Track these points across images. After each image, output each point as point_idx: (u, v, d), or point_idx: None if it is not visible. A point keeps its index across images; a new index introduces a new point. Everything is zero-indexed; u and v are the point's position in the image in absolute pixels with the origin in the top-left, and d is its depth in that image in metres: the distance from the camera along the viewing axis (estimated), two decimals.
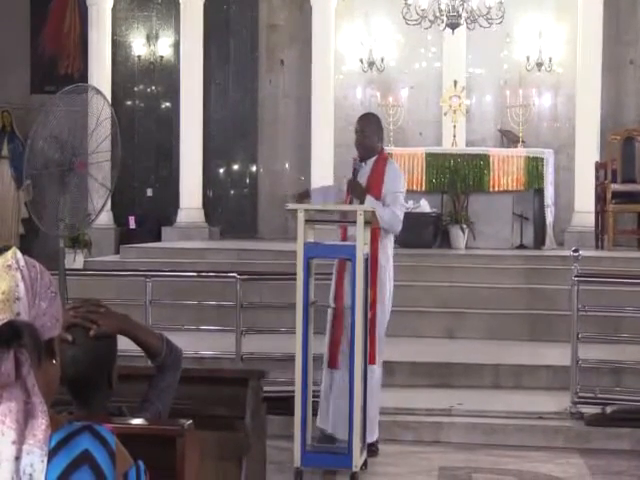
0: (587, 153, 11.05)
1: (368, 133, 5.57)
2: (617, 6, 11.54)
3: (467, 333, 7.72)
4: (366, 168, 5.53)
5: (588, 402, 5.92)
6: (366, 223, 5.21)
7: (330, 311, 5.46)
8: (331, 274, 6.12)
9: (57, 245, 6.24)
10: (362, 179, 5.49)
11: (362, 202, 5.34)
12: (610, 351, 6.51)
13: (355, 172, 5.49)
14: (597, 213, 10.49)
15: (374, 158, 5.55)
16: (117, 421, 2.22)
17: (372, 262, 5.28)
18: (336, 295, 5.45)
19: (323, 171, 11.60)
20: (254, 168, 12.50)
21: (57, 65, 12.77)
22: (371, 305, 5.25)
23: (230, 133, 12.38)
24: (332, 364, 5.40)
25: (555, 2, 11.62)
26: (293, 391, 5.05)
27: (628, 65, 11.67)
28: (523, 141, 11.01)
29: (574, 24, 11.42)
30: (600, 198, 10.34)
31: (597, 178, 10.52)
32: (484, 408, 6.05)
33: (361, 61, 11.80)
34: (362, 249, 5.10)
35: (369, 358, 5.22)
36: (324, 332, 5.57)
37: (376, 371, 5.39)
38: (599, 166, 10.60)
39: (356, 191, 5.45)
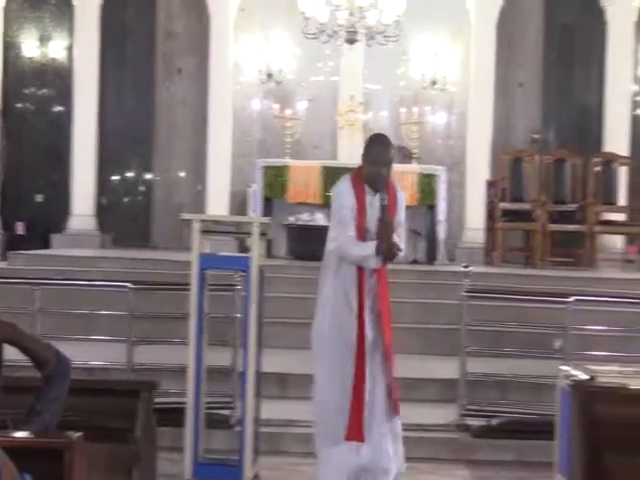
0: (478, 171, 11.35)
1: (391, 165, 4.76)
2: (509, 30, 11.91)
3: None
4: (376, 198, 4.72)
5: (475, 415, 6.07)
6: (262, 235, 5.24)
7: (345, 347, 4.61)
8: (227, 285, 6.13)
9: None
10: (375, 211, 4.72)
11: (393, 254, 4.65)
12: (496, 365, 6.69)
13: (383, 209, 4.67)
14: (487, 230, 10.78)
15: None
16: (2, 434, 2.17)
17: (382, 303, 4.67)
18: (359, 327, 4.60)
19: (220, 181, 11.59)
20: (149, 176, 12.37)
21: None
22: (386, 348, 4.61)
23: (125, 139, 12.22)
24: (357, 435, 4.48)
25: (450, 23, 11.90)
26: (185, 403, 5.02)
27: (517, 88, 12.05)
28: (417, 157, 11.22)
29: (468, 45, 11.74)
30: (490, 215, 10.63)
31: (488, 196, 10.82)
32: None
33: (259, 72, 11.84)
34: (257, 261, 5.12)
35: (394, 408, 4.58)
36: (217, 343, 5.56)
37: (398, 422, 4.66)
38: (489, 184, 10.90)
39: (387, 235, 4.63)
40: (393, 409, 4.59)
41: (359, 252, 4.69)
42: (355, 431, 4.43)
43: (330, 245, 4.83)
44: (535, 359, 6.57)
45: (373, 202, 4.72)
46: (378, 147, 4.79)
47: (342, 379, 4.57)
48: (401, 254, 4.73)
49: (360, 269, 4.66)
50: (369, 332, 4.63)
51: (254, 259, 5.07)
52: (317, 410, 4.69)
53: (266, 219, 5.29)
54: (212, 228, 5.47)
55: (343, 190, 4.79)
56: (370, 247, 4.66)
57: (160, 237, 12.03)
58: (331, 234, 4.82)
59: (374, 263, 4.65)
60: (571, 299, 6.16)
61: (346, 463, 4.52)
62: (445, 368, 6.85)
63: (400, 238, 4.76)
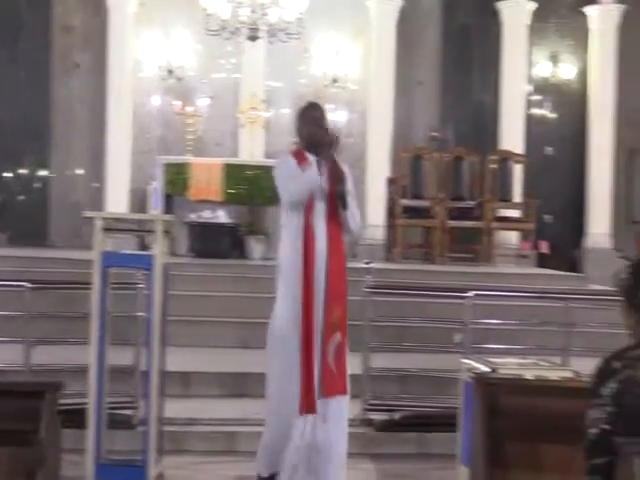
0: (379, 168, 11.51)
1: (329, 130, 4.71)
2: (409, 29, 12.09)
3: (262, 343, 7.78)
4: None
5: (378, 409, 6.15)
6: (165, 232, 5.18)
7: (295, 338, 4.65)
8: (130, 284, 6.05)
9: None
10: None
11: (343, 193, 4.61)
12: (399, 360, 6.79)
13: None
14: (388, 227, 10.93)
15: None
16: None
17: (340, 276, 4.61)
18: (305, 315, 4.59)
19: (119, 178, 11.43)
20: (46, 173, 12.09)
21: None
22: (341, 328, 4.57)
23: (20, 136, 11.91)
24: (309, 408, 4.54)
25: (351, 21, 12.01)
26: (87, 403, 4.93)
27: (417, 86, 12.25)
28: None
29: (369, 44, 11.87)
30: (391, 212, 10.78)
31: (388, 193, 10.96)
32: None
33: (160, 68, 11.70)
34: (161, 259, 5.06)
35: (340, 387, 4.57)
36: (119, 343, 5.48)
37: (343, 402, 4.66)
38: (390, 181, 11.05)
39: (341, 180, 4.62)
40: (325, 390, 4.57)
41: (301, 180, 4.61)
42: (307, 403, 4.41)
43: (282, 220, 4.73)
44: (436, 353, 6.68)
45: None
46: (315, 109, 4.82)
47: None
48: (353, 210, 4.72)
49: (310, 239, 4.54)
50: (318, 306, 4.56)
51: (158, 257, 5.01)
52: (273, 405, 4.60)
53: (169, 217, 5.23)
54: (114, 226, 5.38)
55: (284, 162, 4.75)
56: (309, 169, 4.60)
57: (58, 236, 11.78)
58: (283, 216, 4.72)
59: (316, 178, 4.58)
60: (470, 294, 6.29)
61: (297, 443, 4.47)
62: (349, 363, 6.90)
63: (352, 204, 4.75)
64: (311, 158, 4.74)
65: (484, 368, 3.87)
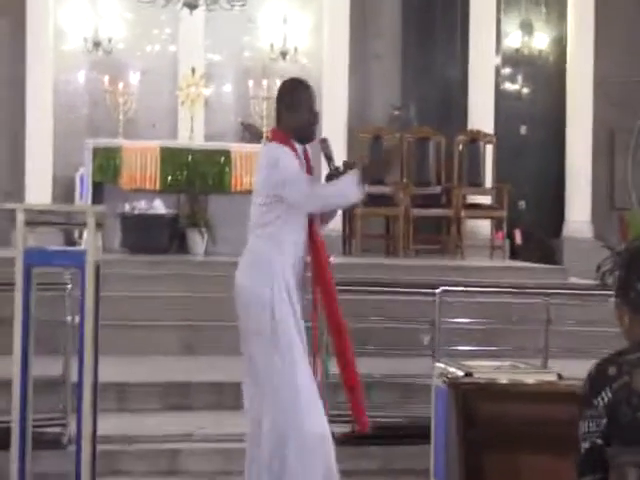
0: (335, 152, 11.47)
1: None
2: None
3: (208, 349, 7.78)
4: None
5: (337, 421, 6.15)
6: (97, 226, 5.14)
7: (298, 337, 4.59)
8: (58, 285, 5.99)
9: None
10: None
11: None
12: (360, 365, 6.78)
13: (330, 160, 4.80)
14: (344, 216, 10.94)
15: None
16: None
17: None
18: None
19: (41, 165, 11.31)
20: None
21: None
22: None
23: None
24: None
25: None
26: (9, 421, 4.87)
27: (375, 59, 12.28)
28: (267, 136, 11.27)
29: (320, 12, 11.87)
30: None
31: None
32: (226, 432, 6.13)
33: (85, 40, 11.58)
34: (93, 255, 5.01)
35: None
36: (45, 351, 5.42)
37: None
38: (347, 166, 11.02)
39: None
40: None
41: (337, 186, 4.56)
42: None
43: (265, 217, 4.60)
44: (402, 357, 6.73)
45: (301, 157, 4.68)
46: (309, 90, 4.74)
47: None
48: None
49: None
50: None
51: (89, 253, 4.96)
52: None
53: (102, 208, 5.18)
54: (38, 219, 5.33)
55: (286, 154, 4.60)
56: (349, 177, 4.56)
57: None
58: (257, 200, 4.61)
59: (358, 193, 4.54)
60: (438, 290, 6.33)
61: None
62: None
63: None
64: (299, 149, 4.71)
65: (459, 372, 3.90)
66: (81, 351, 4.98)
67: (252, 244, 4.70)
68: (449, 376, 3.87)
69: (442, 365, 4.14)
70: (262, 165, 4.74)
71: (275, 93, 12.00)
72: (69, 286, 5.98)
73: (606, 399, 2.24)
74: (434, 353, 6.11)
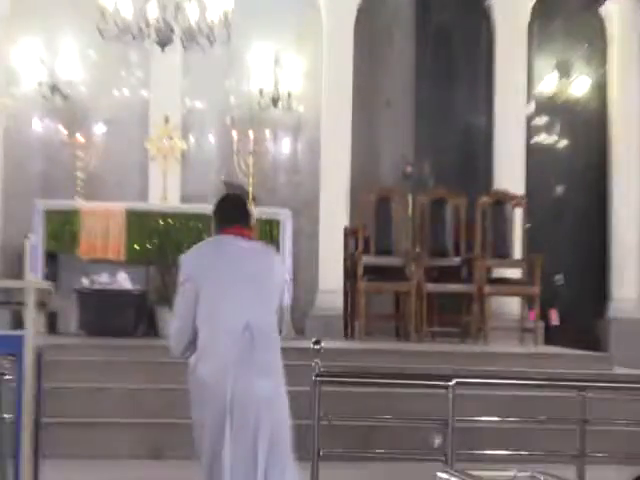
0: (334, 216, 11.55)
1: None
2: (370, 34, 12.23)
3: (180, 451, 7.71)
4: None
5: None
6: (40, 305, 5.14)
7: None
8: None
9: None
10: None
11: None
12: (361, 473, 6.75)
13: None
14: (346, 292, 10.93)
15: None
16: None
17: None
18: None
19: None
20: None
21: None
22: None
23: None
24: None
25: (296, 22, 12.12)
26: None
27: (383, 107, 12.35)
28: (254, 198, 11.30)
29: (318, 51, 11.98)
30: (350, 273, 10.79)
31: (346, 248, 10.98)
32: None
33: (40, 84, 11.68)
34: (33, 340, 5.01)
35: None
36: None
37: None
38: (348, 233, 11.08)
39: None
40: None
41: None
42: None
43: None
44: (410, 461, 6.66)
45: None
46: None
47: None
48: None
49: None
50: None
51: (28, 338, 4.95)
52: None
53: (45, 283, 5.18)
54: None
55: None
56: None
57: None
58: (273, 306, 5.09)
59: None
60: (452, 382, 6.29)
61: None
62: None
63: None
64: None
65: None
66: (17, 456, 4.94)
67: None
68: None
69: (444, 476, 4.09)
70: (280, 270, 5.15)
71: (264, 147, 12.14)
72: (7, 376, 5.93)
73: None
74: (447, 458, 6.04)
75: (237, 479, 4.87)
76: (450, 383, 6.35)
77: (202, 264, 4.95)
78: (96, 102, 11.98)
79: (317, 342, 6.36)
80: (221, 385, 4.82)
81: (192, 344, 4.91)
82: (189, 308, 4.91)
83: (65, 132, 11.44)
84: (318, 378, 6.31)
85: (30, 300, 5.00)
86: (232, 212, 5.11)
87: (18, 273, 10.77)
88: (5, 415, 5.89)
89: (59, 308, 9.78)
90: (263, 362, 4.92)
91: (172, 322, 5.03)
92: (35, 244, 10.41)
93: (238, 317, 4.86)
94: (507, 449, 6.92)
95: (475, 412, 7.23)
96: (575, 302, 12.43)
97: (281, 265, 5.24)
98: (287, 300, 5.43)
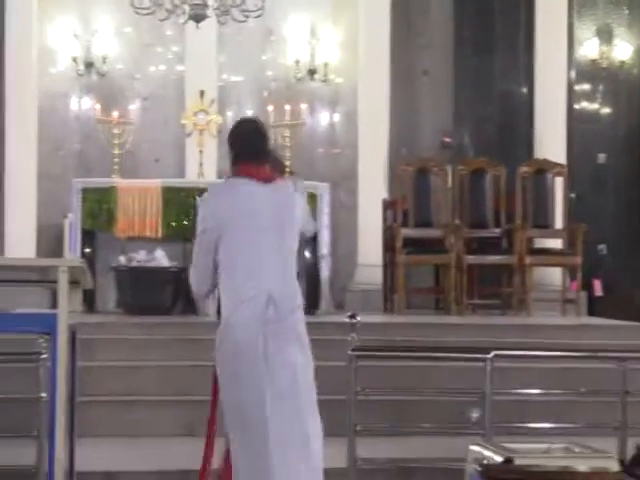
0: (373, 188, 11.55)
1: None
2: (406, 3, 12.17)
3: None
4: None
5: None
6: (73, 283, 5.19)
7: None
8: (31, 354, 6.04)
9: None
10: None
11: None
12: (397, 447, 6.76)
13: None
14: (385, 266, 10.93)
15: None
16: None
17: None
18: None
19: (22, 209, 11.43)
20: None
21: None
22: None
23: None
24: None
25: None
26: None
27: (421, 77, 12.31)
28: (292, 171, 11.31)
29: (354, 20, 11.95)
30: (389, 246, 10.79)
31: (385, 220, 10.98)
32: None
33: (75, 60, 11.74)
34: (66, 319, 5.06)
35: None
36: (16, 435, 5.43)
37: None
38: (387, 205, 11.07)
39: None
40: None
41: None
42: None
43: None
44: (447, 436, 6.68)
45: None
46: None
47: None
48: None
49: None
50: None
51: (61, 316, 5.00)
52: None
53: (77, 261, 5.23)
54: (6, 276, 5.40)
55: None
56: None
57: None
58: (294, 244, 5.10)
59: None
60: (490, 355, 6.29)
61: None
62: (328, 453, 6.87)
63: None
64: None
65: (497, 457, 3.86)
66: (52, 434, 5.01)
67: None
68: (485, 462, 3.83)
69: (477, 448, 4.11)
70: (298, 209, 5.11)
71: (301, 120, 12.15)
72: (43, 355, 6.01)
73: None
74: (484, 432, 6.06)
75: (283, 445, 4.88)
76: (488, 356, 6.36)
77: (219, 216, 4.93)
78: (132, 78, 12.04)
79: (353, 316, 6.38)
80: (253, 354, 4.83)
81: (215, 287, 4.99)
82: (207, 259, 4.96)
83: (100, 109, 11.48)
84: (354, 352, 6.33)
85: (63, 279, 5.04)
86: (246, 146, 5.04)
87: (57, 252, 10.86)
88: (42, 394, 6.01)
89: (98, 286, 9.85)
90: (288, 330, 4.93)
91: (192, 270, 5.07)
92: (73, 223, 10.48)
93: (260, 289, 4.85)
94: (548, 422, 6.94)
95: (516, 385, 7.24)
96: (619, 272, 12.36)
97: (299, 201, 5.14)
98: (311, 228, 5.48)
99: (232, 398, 4.92)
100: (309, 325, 7.92)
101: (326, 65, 12.03)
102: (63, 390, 5.03)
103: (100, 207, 10.43)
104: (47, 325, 5.07)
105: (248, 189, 4.94)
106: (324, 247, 10.68)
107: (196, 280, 5.04)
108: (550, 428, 6.78)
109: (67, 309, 5.06)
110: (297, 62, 12.02)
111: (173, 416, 7.84)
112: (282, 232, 4.96)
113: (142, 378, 8.05)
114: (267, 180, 4.99)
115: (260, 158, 5.03)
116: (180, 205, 10.48)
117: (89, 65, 11.78)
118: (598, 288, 11.93)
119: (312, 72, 12.03)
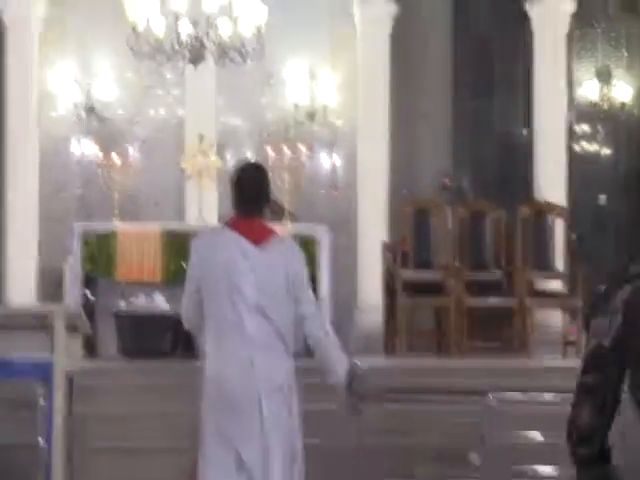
0: (372, 230, 11.56)
1: None
2: (405, 45, 12.23)
3: None
4: None
5: None
6: (72, 328, 5.22)
7: None
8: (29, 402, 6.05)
9: None
10: None
11: None
12: None
13: None
14: (386, 308, 10.92)
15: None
16: None
17: None
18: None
19: (23, 254, 11.44)
20: None
21: None
22: None
23: None
24: None
25: (330, 36, 12.16)
26: None
27: (421, 120, 12.36)
28: (291, 214, 11.34)
29: (353, 62, 12.02)
30: (389, 289, 10.79)
31: (385, 262, 10.99)
32: None
33: (76, 106, 11.81)
34: (63, 365, 5.09)
35: None
36: None
37: None
38: (387, 247, 11.09)
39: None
40: None
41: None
42: None
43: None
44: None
45: None
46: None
47: None
48: None
49: None
50: None
51: (57, 363, 5.03)
52: None
53: (73, 307, 5.25)
54: (5, 321, 5.42)
55: None
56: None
57: None
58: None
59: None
60: (490, 397, 6.29)
61: None
62: None
63: None
64: None
65: None
66: None
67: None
68: None
69: None
70: (301, 259, 5.15)
71: (301, 162, 12.18)
72: (42, 403, 6.02)
73: (624, 297, 2.61)
74: (481, 476, 6.06)
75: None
76: (488, 398, 6.36)
77: (201, 265, 4.98)
78: (132, 122, 12.10)
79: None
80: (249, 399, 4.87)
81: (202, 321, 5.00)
82: (194, 302, 5.01)
83: (101, 153, 11.53)
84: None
85: (59, 324, 5.08)
86: (242, 197, 5.03)
87: (58, 295, 10.88)
88: (40, 440, 6.01)
89: (98, 331, 9.86)
90: (276, 383, 5.01)
91: (183, 302, 5.13)
92: (73, 267, 10.50)
93: (244, 352, 4.90)
94: (549, 466, 6.93)
95: (516, 427, 7.22)
96: None
97: (295, 262, 5.10)
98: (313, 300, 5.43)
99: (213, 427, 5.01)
100: (307, 372, 7.99)
101: (325, 108, 12.08)
102: (60, 437, 5.05)
103: (100, 252, 10.45)
104: (43, 372, 5.10)
105: (234, 245, 4.93)
106: (323, 290, 10.65)
107: (184, 314, 5.13)
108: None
109: (64, 355, 5.09)
110: (296, 105, 12.07)
111: (175, 466, 7.80)
112: (263, 294, 4.93)
113: (142, 425, 8.01)
114: (257, 241, 4.96)
115: (253, 212, 5.02)
116: (179, 248, 10.48)
117: (90, 110, 11.84)
118: None
119: (311, 115, 12.08)
